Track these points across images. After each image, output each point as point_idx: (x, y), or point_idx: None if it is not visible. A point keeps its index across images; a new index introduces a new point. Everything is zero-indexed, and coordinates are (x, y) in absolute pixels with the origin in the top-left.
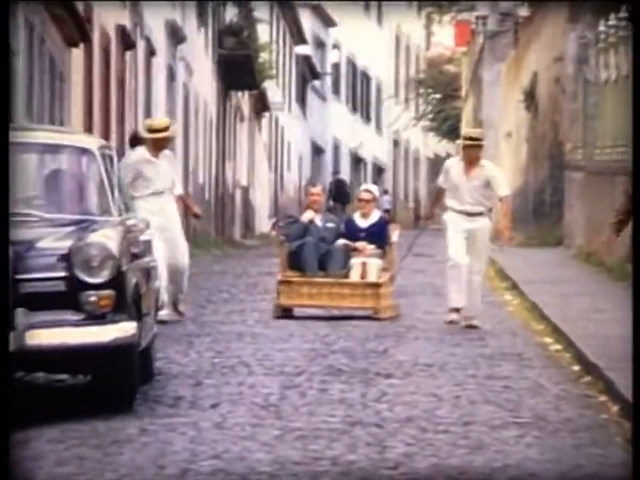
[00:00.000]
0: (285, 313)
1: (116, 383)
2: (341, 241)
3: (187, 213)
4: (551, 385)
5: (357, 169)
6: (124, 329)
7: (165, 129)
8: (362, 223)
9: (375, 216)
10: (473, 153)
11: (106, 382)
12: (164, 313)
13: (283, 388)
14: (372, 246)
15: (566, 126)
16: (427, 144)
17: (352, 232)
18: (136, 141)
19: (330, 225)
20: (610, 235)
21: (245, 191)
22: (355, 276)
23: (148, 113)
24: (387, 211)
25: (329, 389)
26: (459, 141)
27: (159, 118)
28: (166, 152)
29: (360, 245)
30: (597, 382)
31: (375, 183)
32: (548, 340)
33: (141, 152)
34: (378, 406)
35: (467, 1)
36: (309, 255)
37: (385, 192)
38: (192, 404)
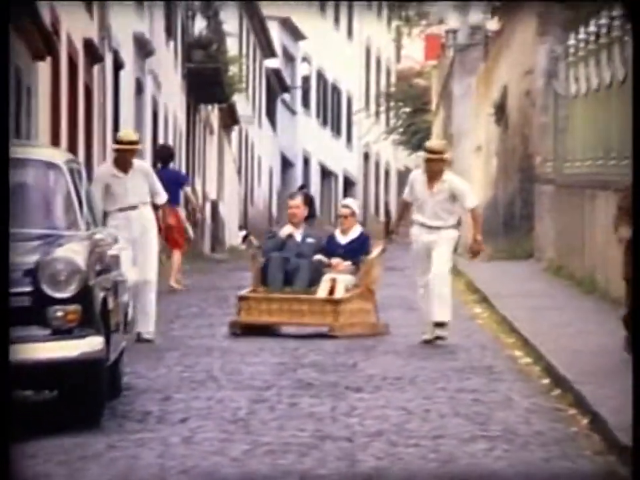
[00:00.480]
0: (244, 331)
1: (83, 398)
2: (317, 257)
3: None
4: (520, 398)
5: (327, 183)
6: (91, 344)
7: (132, 142)
8: (341, 239)
9: (356, 232)
10: (435, 166)
11: (73, 397)
12: (149, 331)
13: (252, 402)
14: (347, 262)
15: (536, 139)
16: (397, 157)
17: (331, 248)
18: (165, 154)
19: (309, 240)
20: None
21: (215, 204)
22: (321, 292)
23: (116, 127)
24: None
25: (298, 403)
26: (422, 154)
27: (126, 130)
28: (140, 165)
29: (334, 261)
30: (567, 395)
31: (345, 196)
32: (518, 353)
33: (107, 167)
34: (348, 420)
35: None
36: (273, 271)
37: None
38: (160, 419)
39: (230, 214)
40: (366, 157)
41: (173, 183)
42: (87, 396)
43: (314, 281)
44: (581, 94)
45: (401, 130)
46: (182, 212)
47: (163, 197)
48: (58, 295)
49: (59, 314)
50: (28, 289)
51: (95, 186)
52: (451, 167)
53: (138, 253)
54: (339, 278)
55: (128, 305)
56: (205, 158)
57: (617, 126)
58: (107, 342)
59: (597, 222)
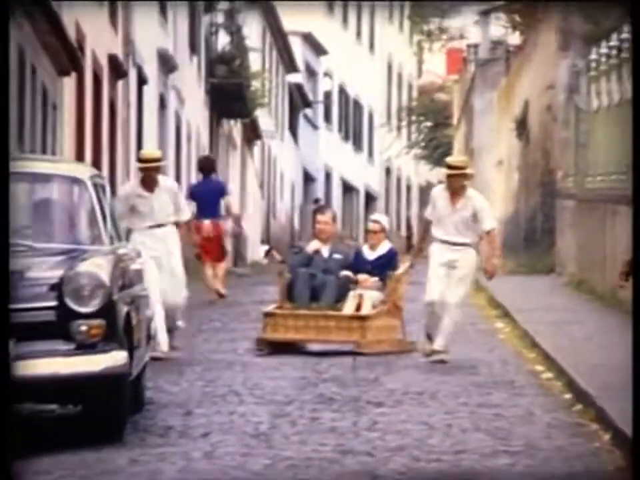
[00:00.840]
0: (270, 349)
1: (106, 412)
2: (343, 273)
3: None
4: (542, 413)
5: (348, 197)
6: (115, 358)
7: (155, 159)
8: (369, 254)
9: (384, 248)
10: (457, 182)
11: (96, 412)
12: (161, 350)
13: (273, 417)
14: (375, 278)
15: (557, 154)
16: (418, 172)
17: (358, 264)
18: (206, 165)
19: (336, 256)
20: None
21: (237, 219)
22: (348, 308)
23: (140, 142)
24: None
25: (319, 417)
26: (443, 170)
27: (150, 149)
28: (166, 183)
29: (361, 277)
30: (588, 410)
31: (366, 211)
32: (539, 368)
33: (133, 186)
34: (369, 434)
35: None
36: (300, 287)
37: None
38: (182, 433)
39: (252, 228)
40: (387, 171)
41: (215, 194)
42: (110, 410)
43: (341, 297)
44: (602, 108)
45: (422, 144)
46: (223, 224)
47: (186, 214)
48: (82, 310)
49: (83, 328)
50: (52, 303)
51: (119, 205)
52: (472, 181)
53: (164, 274)
54: (366, 294)
55: (151, 319)
56: (227, 172)
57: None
58: (130, 356)
59: (618, 236)
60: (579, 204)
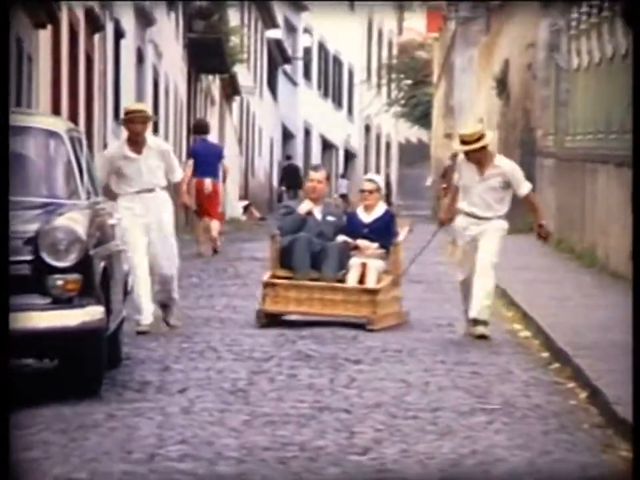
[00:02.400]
0: (270, 320)
1: (83, 367)
2: (341, 238)
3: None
4: (519, 371)
5: (327, 154)
6: (91, 313)
7: (141, 111)
8: (365, 217)
9: (380, 209)
10: (475, 155)
11: (73, 367)
12: (145, 324)
13: (251, 373)
14: (375, 244)
15: (537, 112)
16: (398, 130)
17: (353, 227)
18: (202, 127)
19: (330, 218)
20: None
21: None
22: (351, 279)
23: (117, 96)
24: (343, 195)
25: (297, 374)
26: (456, 146)
27: (137, 103)
28: (155, 143)
29: (361, 243)
30: (566, 368)
31: (345, 168)
32: (517, 327)
33: (118, 146)
34: (347, 391)
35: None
36: (299, 253)
37: (343, 176)
38: (159, 389)
39: (230, 184)
40: (367, 129)
41: (215, 155)
42: (87, 365)
43: (342, 265)
44: (582, 67)
45: (402, 102)
46: (221, 185)
47: (178, 174)
48: (58, 264)
49: (59, 283)
50: (28, 257)
51: (102, 167)
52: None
53: (155, 243)
54: (370, 263)
55: (128, 274)
56: None
57: (619, 100)
58: (107, 311)
59: (598, 196)
60: (558, 163)
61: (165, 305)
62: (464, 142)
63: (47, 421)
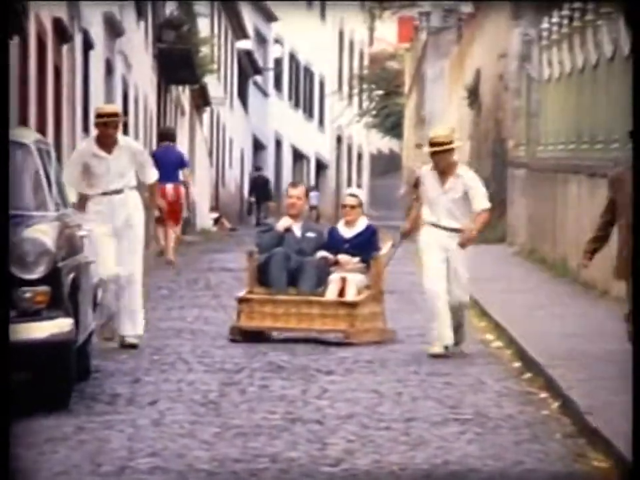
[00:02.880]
0: (245, 338)
1: (52, 380)
2: (320, 253)
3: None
4: (492, 381)
5: (299, 165)
6: (60, 326)
7: (113, 114)
8: (346, 232)
9: (362, 224)
10: (444, 159)
11: (42, 379)
12: (136, 335)
13: (222, 385)
14: (356, 259)
15: (509, 123)
16: (369, 140)
17: (334, 243)
18: (169, 135)
19: (310, 234)
20: (585, 255)
21: (186, 186)
22: (330, 294)
23: (86, 107)
24: (313, 207)
25: (269, 385)
26: (426, 148)
27: (110, 105)
28: (127, 143)
29: (342, 258)
30: (538, 378)
31: (317, 179)
32: (489, 337)
33: (88, 145)
34: (319, 402)
35: (413, 0)
36: (276, 270)
37: (313, 188)
38: (130, 401)
39: (201, 196)
40: (338, 139)
41: (176, 161)
42: (56, 378)
43: (320, 282)
44: (554, 78)
45: (373, 113)
46: (183, 190)
47: (152, 175)
48: (26, 276)
49: (28, 295)
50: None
51: (70, 165)
52: (422, 149)
53: (122, 245)
54: (349, 278)
55: (97, 286)
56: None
57: (590, 110)
58: (76, 324)
59: (569, 206)
60: (530, 173)
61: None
62: (434, 144)
63: (17, 434)
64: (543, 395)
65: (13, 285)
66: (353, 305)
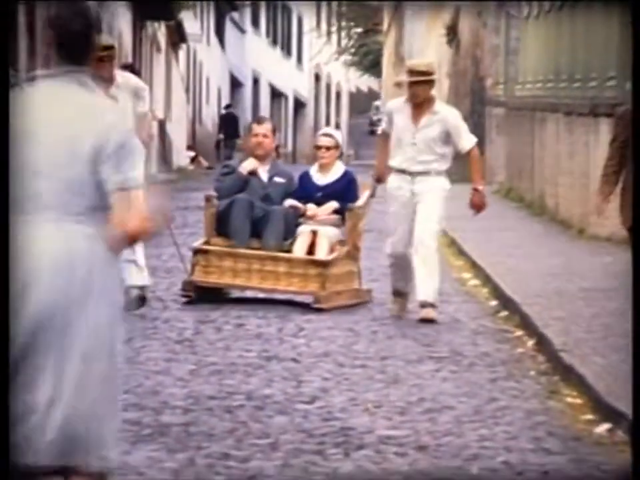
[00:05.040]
0: (199, 294)
1: None
2: (288, 202)
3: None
4: (468, 319)
5: (276, 103)
6: None
7: (108, 47)
8: (319, 178)
9: (338, 170)
10: (423, 91)
11: None
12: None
13: (198, 323)
14: (328, 205)
15: (487, 61)
16: (348, 78)
17: (306, 190)
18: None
19: (278, 179)
20: (598, 202)
21: (162, 123)
22: (299, 249)
23: None
24: (276, 146)
25: (245, 324)
26: (402, 77)
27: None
28: (125, 78)
29: (311, 208)
30: (514, 317)
31: (295, 117)
32: (466, 275)
33: None
34: (295, 341)
35: None
36: (238, 219)
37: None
38: None
39: (178, 134)
40: (317, 77)
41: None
42: None
43: (287, 235)
44: (532, 15)
45: (352, 50)
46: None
47: (144, 106)
48: None
49: None
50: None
51: None
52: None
53: None
54: (321, 231)
55: None
56: (152, 76)
57: (568, 48)
58: None
59: (547, 144)
60: (508, 112)
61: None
62: (413, 72)
63: None
64: (519, 332)
65: None
66: (325, 264)
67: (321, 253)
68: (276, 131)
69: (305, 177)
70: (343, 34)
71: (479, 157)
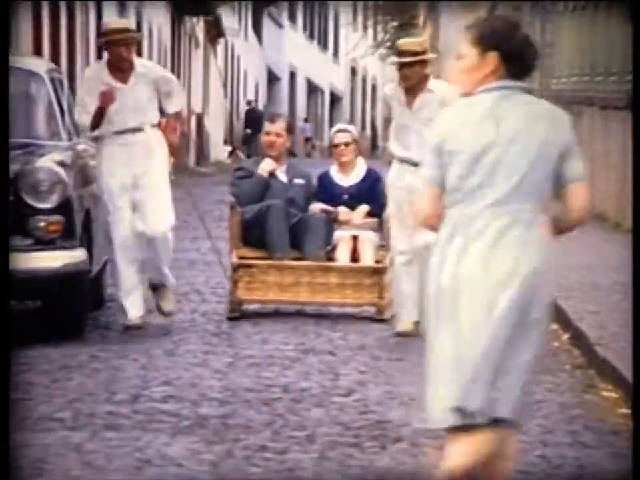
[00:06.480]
0: (245, 314)
1: (65, 309)
2: (317, 206)
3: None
4: None
5: (313, 97)
6: (74, 256)
7: (125, 30)
8: (342, 179)
9: (361, 169)
10: (415, 73)
11: (56, 308)
12: (134, 316)
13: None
14: (362, 208)
15: None
16: (384, 72)
17: (329, 193)
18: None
19: (298, 180)
20: None
21: (200, 118)
22: (343, 258)
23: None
24: (307, 139)
25: (281, 317)
26: (393, 59)
27: (119, 20)
28: (145, 67)
29: (343, 212)
30: None
31: (331, 110)
32: None
33: (99, 69)
34: (331, 334)
35: None
36: (276, 227)
37: (306, 120)
38: (144, 330)
39: (215, 128)
40: (353, 71)
41: None
42: (69, 307)
43: (326, 242)
44: (568, 9)
45: (388, 44)
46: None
47: (175, 104)
48: (39, 205)
49: (41, 224)
50: (9, 198)
51: (80, 103)
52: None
53: (142, 196)
54: (362, 237)
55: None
56: (190, 71)
57: (604, 42)
58: (90, 254)
59: (583, 138)
60: None
61: (155, 288)
62: (404, 53)
63: (30, 362)
64: (554, 326)
65: (26, 213)
66: (380, 271)
67: (368, 260)
68: (292, 130)
69: (325, 177)
70: (379, 28)
71: None
